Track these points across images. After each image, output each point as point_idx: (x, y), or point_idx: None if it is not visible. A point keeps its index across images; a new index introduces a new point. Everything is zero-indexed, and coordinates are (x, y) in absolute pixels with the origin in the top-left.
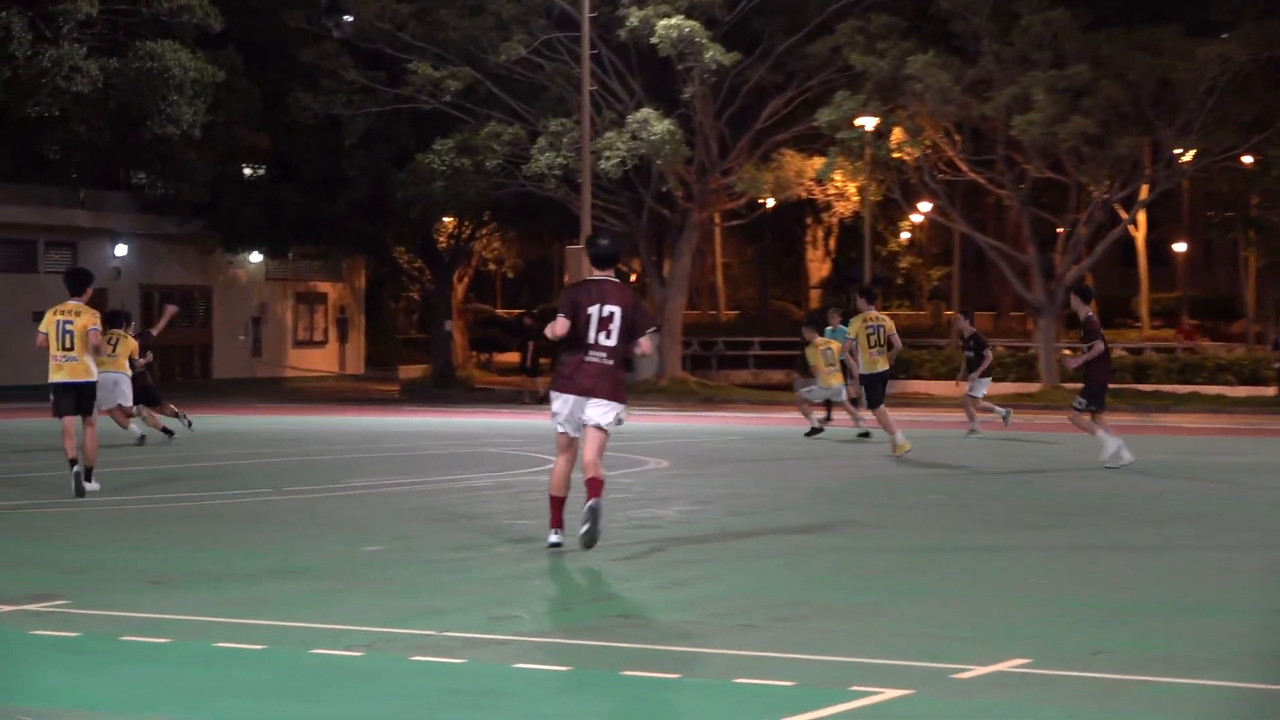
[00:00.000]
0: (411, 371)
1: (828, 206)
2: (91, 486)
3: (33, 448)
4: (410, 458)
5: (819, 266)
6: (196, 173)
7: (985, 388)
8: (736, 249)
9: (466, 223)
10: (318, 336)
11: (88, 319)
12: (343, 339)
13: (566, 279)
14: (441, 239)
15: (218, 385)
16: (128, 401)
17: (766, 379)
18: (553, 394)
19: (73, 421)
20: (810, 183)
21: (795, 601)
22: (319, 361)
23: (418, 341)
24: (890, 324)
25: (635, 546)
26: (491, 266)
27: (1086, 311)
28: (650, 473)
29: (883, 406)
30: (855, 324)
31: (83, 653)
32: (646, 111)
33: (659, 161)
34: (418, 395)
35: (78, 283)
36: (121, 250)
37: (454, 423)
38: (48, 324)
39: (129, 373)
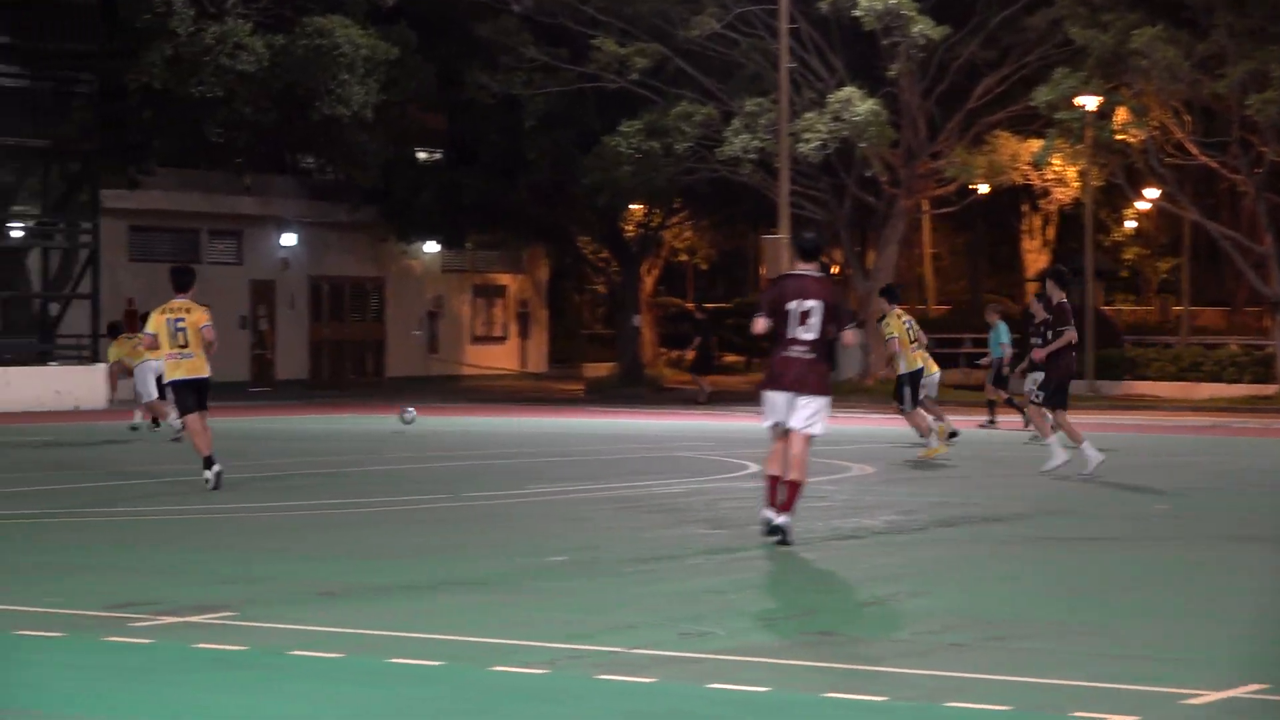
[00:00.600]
0: (597, 370)
1: (1045, 193)
2: (208, 475)
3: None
4: (596, 462)
5: (1036, 258)
6: (368, 156)
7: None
8: (946, 239)
9: (656, 210)
10: (497, 332)
11: (199, 315)
12: (524, 335)
13: (763, 270)
14: (629, 228)
15: (391, 383)
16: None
17: (978, 379)
18: (762, 393)
19: (196, 419)
20: (1026, 167)
21: (1009, 619)
22: (499, 359)
23: (604, 337)
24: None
25: (838, 558)
26: (683, 257)
27: (1060, 297)
28: (854, 479)
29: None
30: (894, 323)
31: (248, 668)
32: (849, 90)
33: (862, 144)
34: (604, 395)
35: (185, 280)
36: (289, 239)
37: (642, 424)
38: (156, 324)
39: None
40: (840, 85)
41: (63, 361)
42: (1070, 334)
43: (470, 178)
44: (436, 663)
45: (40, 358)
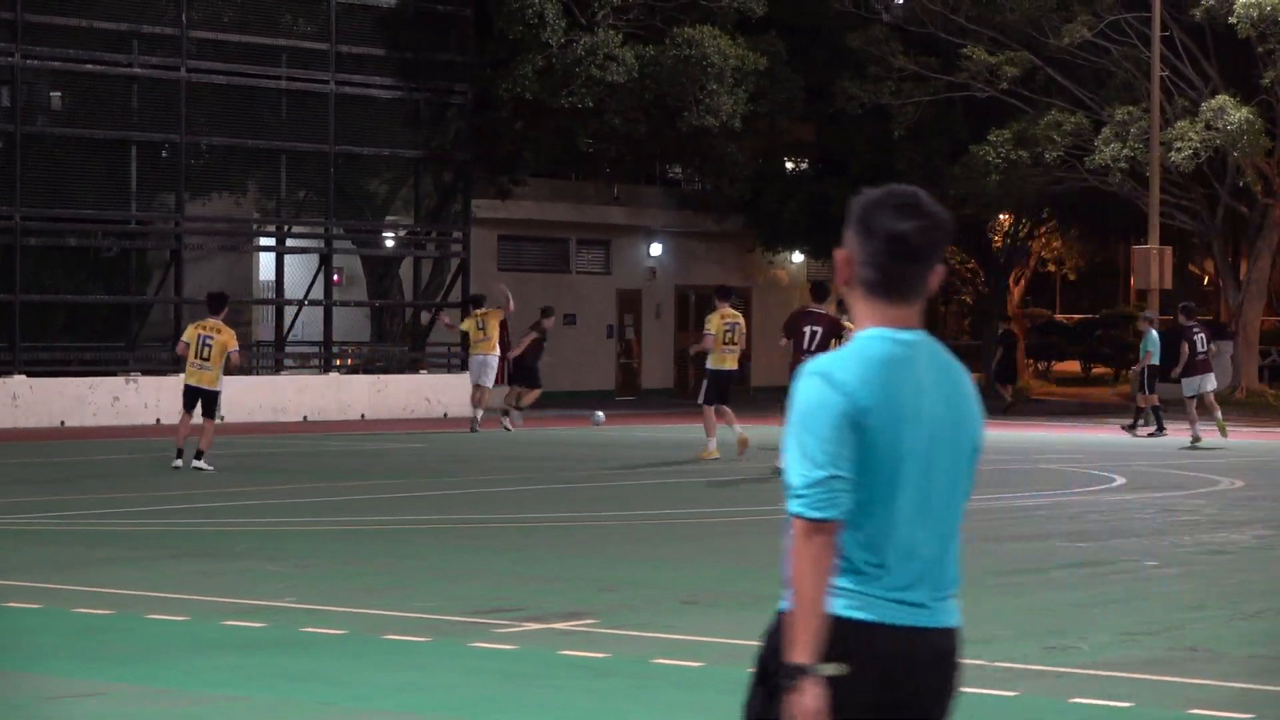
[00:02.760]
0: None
1: None
2: (204, 465)
3: (569, 457)
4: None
5: None
6: (736, 167)
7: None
8: None
9: (1023, 220)
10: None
11: (227, 338)
12: None
13: (1133, 282)
14: (996, 238)
15: (757, 393)
16: (489, 383)
17: None
18: None
19: (187, 417)
20: None
21: None
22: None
23: (970, 348)
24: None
25: (1205, 573)
26: (1050, 268)
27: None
28: (1223, 493)
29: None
30: (715, 321)
31: (611, 675)
32: (1222, 98)
33: (1235, 153)
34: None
35: (217, 304)
36: (656, 249)
37: (1008, 436)
38: (190, 335)
39: (498, 354)
40: (1214, 93)
41: (433, 370)
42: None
43: (838, 188)
44: None
45: (411, 365)
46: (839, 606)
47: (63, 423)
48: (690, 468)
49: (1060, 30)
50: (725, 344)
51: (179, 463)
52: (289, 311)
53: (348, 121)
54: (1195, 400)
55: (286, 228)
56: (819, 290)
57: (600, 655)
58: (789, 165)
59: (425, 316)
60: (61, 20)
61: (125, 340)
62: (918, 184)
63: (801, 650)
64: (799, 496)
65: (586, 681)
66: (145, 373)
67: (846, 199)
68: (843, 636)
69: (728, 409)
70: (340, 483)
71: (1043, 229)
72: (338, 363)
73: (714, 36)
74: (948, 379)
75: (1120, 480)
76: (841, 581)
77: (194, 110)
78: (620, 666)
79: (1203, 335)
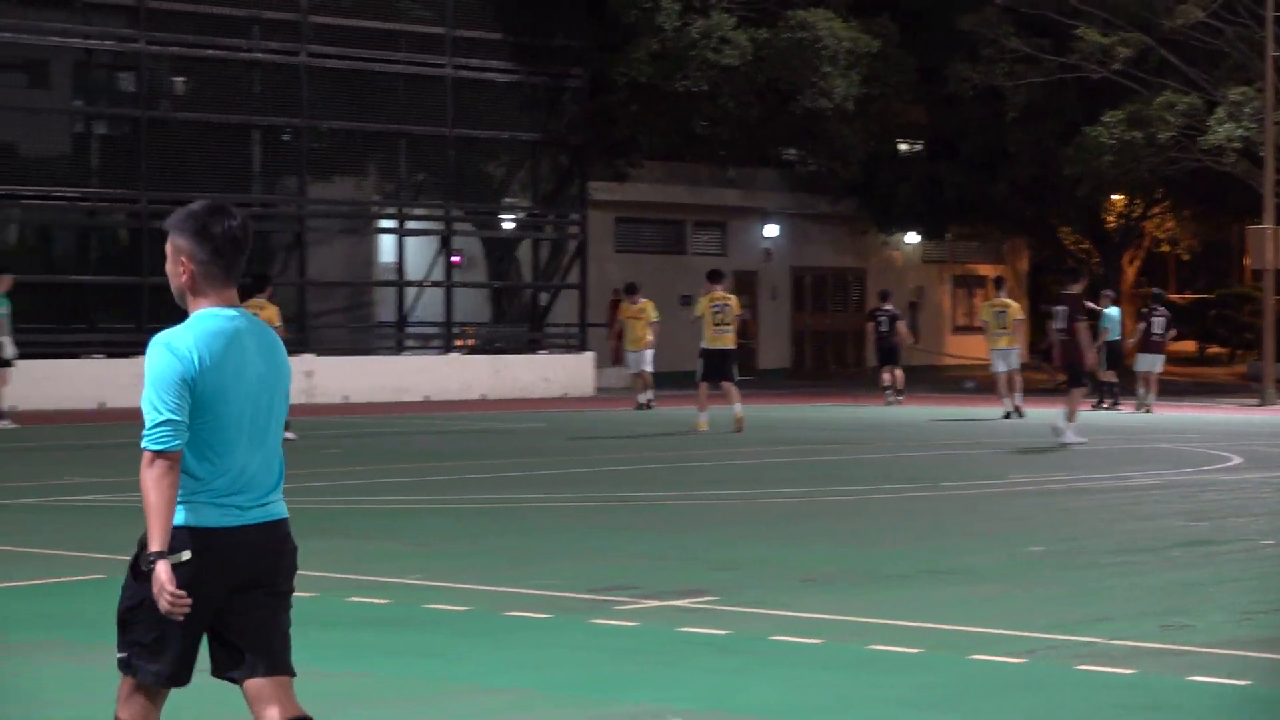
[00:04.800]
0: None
1: None
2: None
3: (686, 436)
4: (1073, 453)
5: None
6: (849, 149)
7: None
8: None
9: (1137, 201)
10: (977, 323)
11: (269, 314)
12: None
13: (1247, 261)
14: (1109, 219)
15: (872, 373)
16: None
17: None
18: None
19: None
20: None
21: None
22: (980, 349)
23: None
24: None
25: None
26: (1164, 248)
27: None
28: None
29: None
30: (702, 302)
31: (732, 652)
32: None
33: None
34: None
35: (260, 284)
36: (771, 230)
37: (1119, 416)
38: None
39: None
40: None
41: (551, 350)
42: None
43: (951, 170)
44: (915, 650)
45: (530, 346)
46: (194, 515)
47: None
48: (803, 446)
49: (1173, 11)
50: (716, 325)
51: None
52: (410, 293)
53: (465, 105)
54: (1145, 376)
55: (407, 210)
56: (1073, 275)
57: (719, 632)
58: (902, 147)
59: (544, 297)
60: (183, 6)
61: None
62: (1030, 166)
63: (155, 542)
64: (147, 435)
65: (706, 658)
66: None
67: (959, 181)
68: (198, 535)
69: (733, 387)
70: (461, 462)
71: (1156, 209)
72: (458, 343)
73: (827, 19)
74: (266, 344)
75: (1237, 459)
76: (194, 496)
77: (314, 94)
78: (739, 643)
79: (1162, 319)
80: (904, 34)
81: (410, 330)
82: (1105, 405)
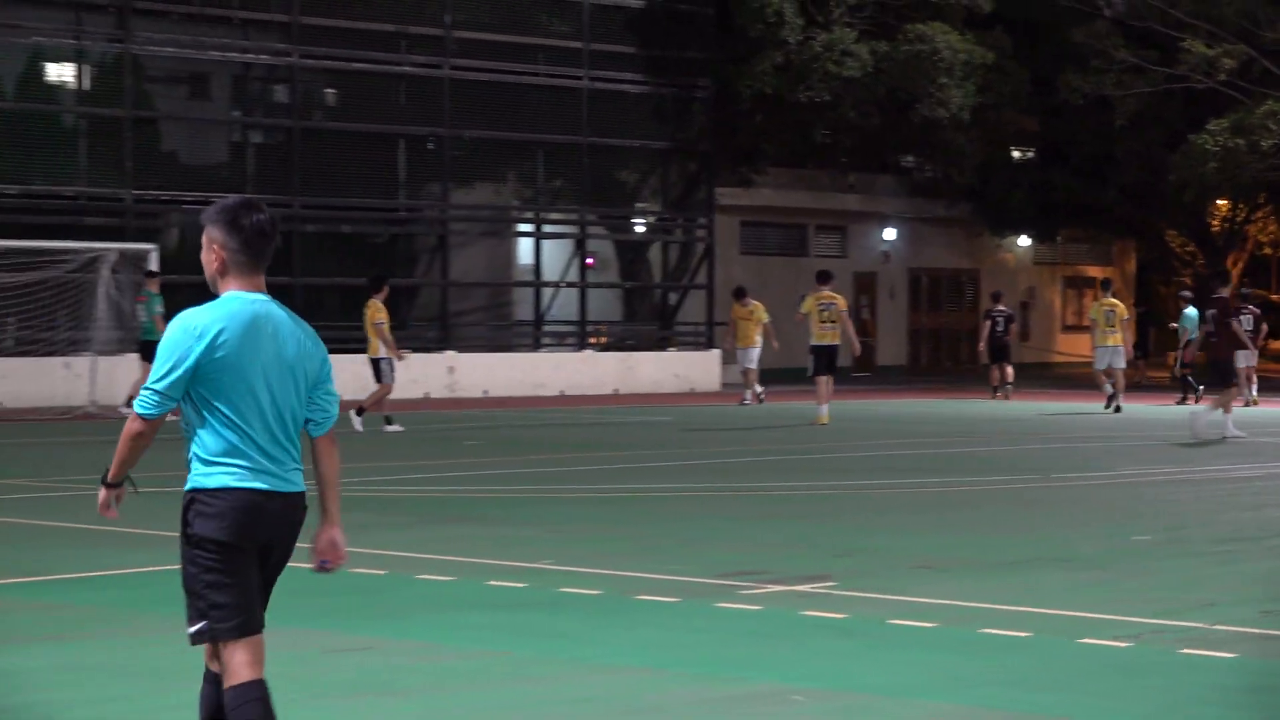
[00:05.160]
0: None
1: None
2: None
3: (806, 430)
4: (1179, 447)
5: None
6: (964, 156)
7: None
8: None
9: (1240, 205)
10: (1086, 321)
11: (371, 312)
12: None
13: None
14: (1214, 222)
15: (984, 370)
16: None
17: None
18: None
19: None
20: None
21: None
22: (1089, 347)
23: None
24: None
25: None
26: (1267, 250)
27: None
28: None
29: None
30: (809, 302)
31: (850, 635)
32: None
33: None
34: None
35: (376, 283)
36: (890, 234)
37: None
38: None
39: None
40: None
41: (680, 347)
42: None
43: (1061, 176)
44: (1026, 634)
45: (660, 343)
46: (218, 478)
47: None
48: (919, 439)
49: (1275, 23)
50: (821, 322)
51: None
52: (546, 293)
53: (599, 115)
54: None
55: (543, 215)
56: (1223, 279)
57: (839, 616)
58: (1015, 154)
59: (673, 297)
60: (334, 22)
61: (395, 320)
62: (1138, 172)
63: (113, 474)
64: (139, 398)
65: (826, 641)
66: (414, 350)
67: (1070, 186)
68: (219, 496)
69: (830, 380)
70: (593, 453)
71: (1259, 214)
72: (591, 341)
73: (944, 32)
74: (290, 329)
75: None
76: (233, 462)
77: (457, 105)
78: (857, 626)
79: (1250, 318)
80: (1017, 46)
81: (546, 328)
82: (1191, 400)
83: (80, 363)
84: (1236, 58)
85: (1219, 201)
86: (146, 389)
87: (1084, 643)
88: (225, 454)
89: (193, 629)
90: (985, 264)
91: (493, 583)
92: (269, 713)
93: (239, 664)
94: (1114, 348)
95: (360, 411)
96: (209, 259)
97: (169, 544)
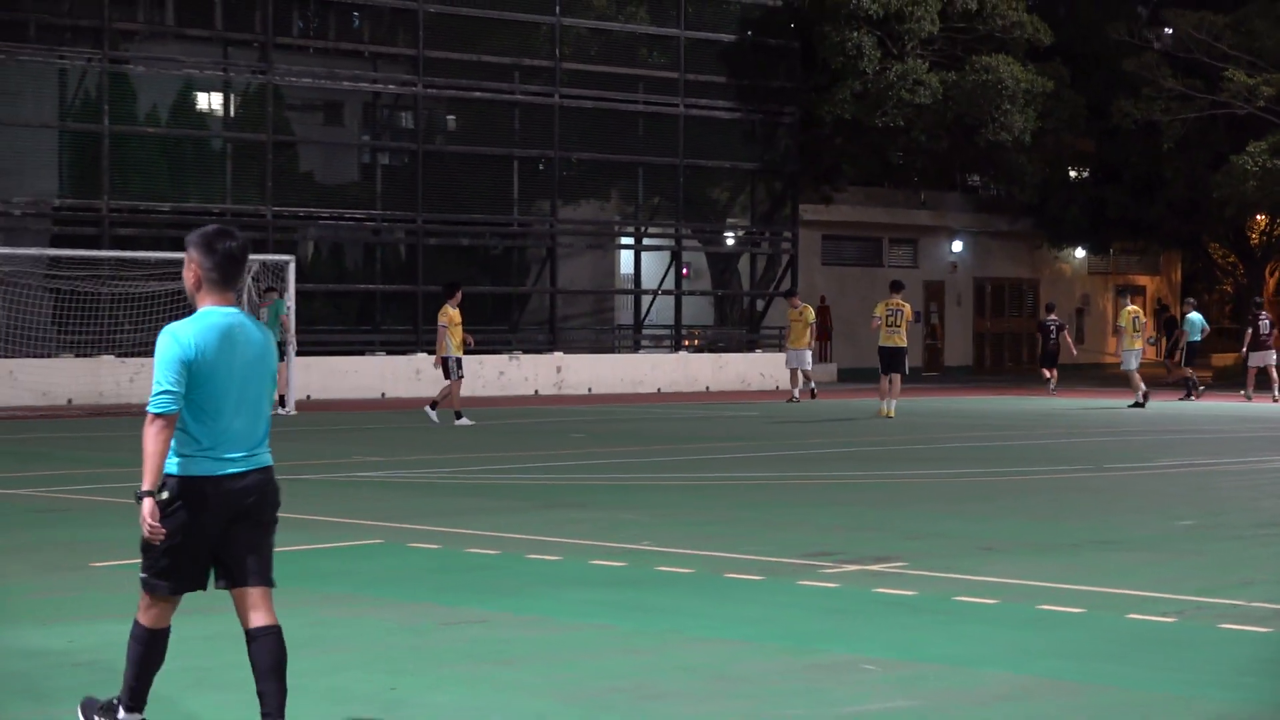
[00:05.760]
0: (1224, 360)
1: None
2: (433, 415)
3: (877, 424)
4: (1218, 440)
5: None
6: (1026, 176)
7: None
8: None
9: (1278, 220)
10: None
11: (444, 318)
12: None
13: None
14: (1254, 235)
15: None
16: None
17: None
18: None
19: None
20: None
21: None
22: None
23: (1230, 331)
24: (908, 309)
25: None
26: None
27: None
28: None
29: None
30: (879, 308)
31: (918, 611)
32: None
33: None
34: (1227, 381)
35: (449, 290)
36: (957, 246)
37: (1264, 409)
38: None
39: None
40: None
41: (765, 349)
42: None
43: (1114, 194)
44: (1079, 610)
45: (748, 345)
46: (186, 467)
47: None
48: (983, 432)
49: None
50: (888, 326)
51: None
52: (645, 300)
53: (694, 138)
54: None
55: (643, 229)
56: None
57: (909, 593)
58: (1072, 174)
59: (760, 304)
60: (455, 55)
61: (508, 324)
62: (1184, 189)
63: (146, 483)
64: (152, 400)
65: (897, 616)
66: (525, 351)
67: (1122, 203)
68: (187, 483)
69: (897, 383)
70: (687, 444)
71: None
72: (685, 343)
73: (1008, 63)
74: (254, 337)
75: None
76: (192, 452)
77: (565, 130)
78: (926, 603)
79: (1266, 321)
80: (1074, 76)
81: (645, 332)
82: (1193, 397)
83: None
84: (1275, 86)
85: (1258, 216)
86: (158, 394)
87: (1132, 618)
88: (193, 447)
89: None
90: (1044, 274)
91: (595, 562)
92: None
93: (160, 611)
94: (1140, 350)
95: (434, 405)
96: (188, 275)
97: (295, 525)
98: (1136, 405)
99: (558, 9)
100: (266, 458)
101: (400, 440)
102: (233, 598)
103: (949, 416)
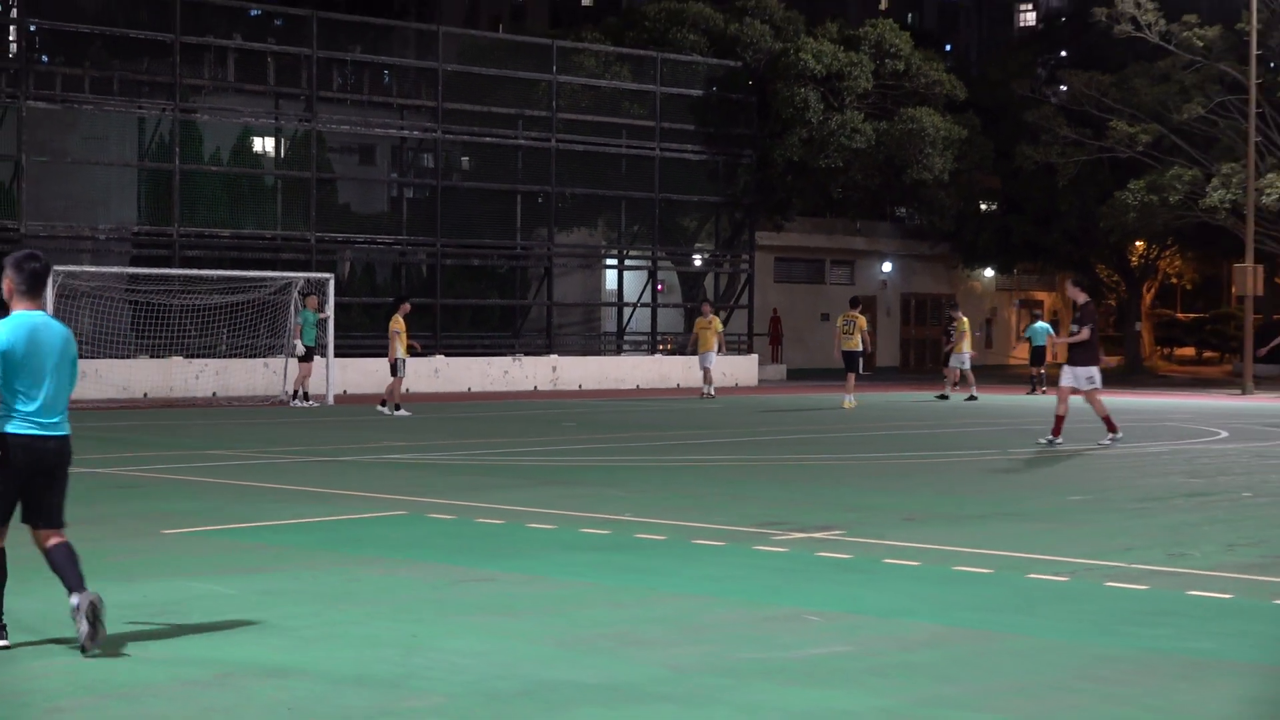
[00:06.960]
0: (1106, 362)
1: None
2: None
3: (821, 416)
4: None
5: None
6: (945, 208)
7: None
8: None
9: (1154, 246)
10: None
11: (392, 323)
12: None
13: (1234, 290)
14: (1133, 258)
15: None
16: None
17: None
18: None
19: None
20: None
21: None
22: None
23: (1113, 338)
24: (862, 321)
25: None
26: (1173, 280)
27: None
28: None
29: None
30: (859, 319)
31: (854, 571)
32: None
33: None
34: (1111, 381)
35: (395, 304)
36: (887, 267)
37: (1140, 402)
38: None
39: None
40: None
41: (728, 353)
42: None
43: (1018, 223)
44: (988, 570)
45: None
46: (12, 427)
47: (469, 389)
48: (907, 423)
49: (1181, 108)
50: (843, 333)
51: (392, 411)
52: (626, 311)
53: (668, 177)
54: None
55: (625, 252)
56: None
57: (846, 556)
58: (983, 206)
59: (723, 315)
60: (470, 106)
61: (512, 331)
62: (1075, 220)
63: None
64: None
65: (836, 575)
66: (526, 354)
67: (1024, 231)
68: (13, 439)
69: (850, 376)
70: (662, 432)
71: (1168, 252)
72: (660, 347)
73: (929, 115)
74: (57, 332)
75: (1224, 434)
76: (17, 417)
77: (560, 169)
78: (860, 564)
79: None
80: (984, 125)
81: (626, 338)
82: (1040, 391)
83: (275, 363)
84: (1151, 134)
85: (1137, 243)
86: None
87: (1032, 577)
88: (18, 414)
89: None
90: (959, 290)
91: (584, 530)
92: None
93: None
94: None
95: (384, 403)
96: (5, 287)
97: (341, 500)
98: (943, 397)
99: (554, 69)
100: (66, 428)
101: (422, 429)
102: (32, 534)
103: (879, 409)
